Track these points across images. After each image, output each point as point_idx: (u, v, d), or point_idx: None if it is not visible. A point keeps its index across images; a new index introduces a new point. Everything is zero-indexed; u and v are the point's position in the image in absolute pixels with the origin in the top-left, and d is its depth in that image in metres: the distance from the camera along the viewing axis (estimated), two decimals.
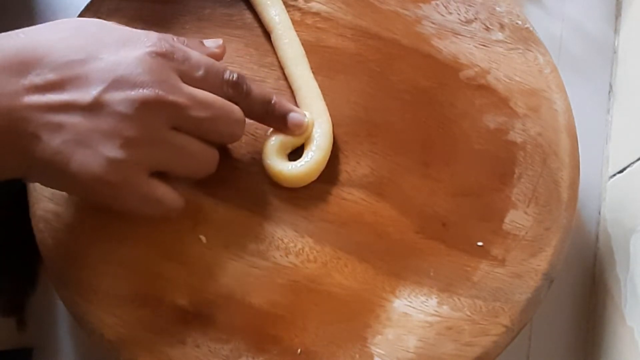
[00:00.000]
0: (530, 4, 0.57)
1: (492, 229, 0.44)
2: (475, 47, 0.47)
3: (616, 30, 0.57)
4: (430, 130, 0.46)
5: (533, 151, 0.45)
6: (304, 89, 0.45)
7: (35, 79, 0.36)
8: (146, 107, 0.37)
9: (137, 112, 0.37)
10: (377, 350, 0.41)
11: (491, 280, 0.43)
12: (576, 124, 0.46)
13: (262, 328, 0.42)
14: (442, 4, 0.48)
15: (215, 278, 0.42)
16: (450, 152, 0.45)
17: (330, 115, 0.45)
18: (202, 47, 0.42)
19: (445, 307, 0.42)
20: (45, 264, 0.43)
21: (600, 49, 0.57)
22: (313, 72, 0.46)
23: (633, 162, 0.49)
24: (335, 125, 0.45)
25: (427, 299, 0.42)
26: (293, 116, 0.43)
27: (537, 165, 0.45)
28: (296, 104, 0.45)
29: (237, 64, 0.47)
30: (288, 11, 0.47)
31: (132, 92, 0.36)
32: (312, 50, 0.47)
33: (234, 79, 0.41)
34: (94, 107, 0.36)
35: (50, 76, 0.36)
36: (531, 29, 0.48)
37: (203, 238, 0.43)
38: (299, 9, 0.48)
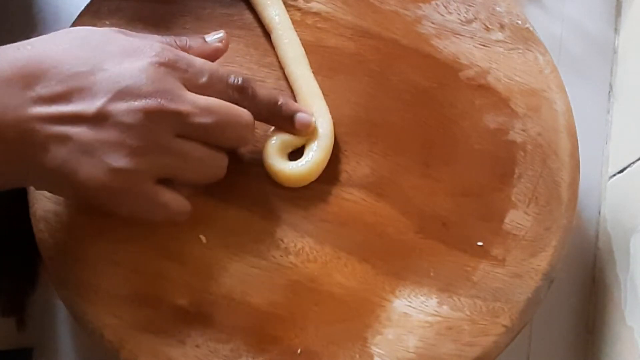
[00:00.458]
0: (530, 4, 0.57)
1: (492, 229, 0.44)
2: (475, 47, 0.47)
3: (616, 30, 0.57)
4: (430, 130, 0.46)
5: (533, 151, 0.45)
6: (305, 89, 0.45)
7: (41, 90, 0.37)
8: (149, 117, 0.37)
9: (141, 121, 0.37)
10: (377, 350, 0.41)
11: (491, 280, 0.43)
12: (576, 124, 0.46)
13: (262, 328, 0.42)
14: (442, 4, 0.48)
15: (215, 278, 0.42)
16: (450, 152, 0.45)
17: (330, 115, 0.45)
18: (204, 46, 0.43)
19: (445, 307, 0.42)
20: (45, 264, 0.43)
21: (600, 49, 0.57)
22: (313, 72, 0.46)
23: (633, 162, 0.49)
24: (335, 125, 0.45)
25: (427, 299, 0.42)
26: (300, 116, 0.43)
27: (537, 165, 0.45)
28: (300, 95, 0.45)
29: (237, 64, 0.47)
30: (288, 11, 0.47)
31: (136, 103, 0.37)
32: (312, 50, 0.47)
33: (239, 83, 0.41)
34: (99, 118, 0.37)
35: (56, 88, 0.37)
36: (531, 29, 0.48)
37: (203, 238, 0.43)
38: (299, 9, 0.48)
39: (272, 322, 0.42)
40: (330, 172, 0.44)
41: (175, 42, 0.42)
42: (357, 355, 0.41)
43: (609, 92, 0.56)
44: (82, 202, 0.43)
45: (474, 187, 0.45)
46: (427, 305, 0.42)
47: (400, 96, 0.46)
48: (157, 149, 0.38)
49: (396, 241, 0.43)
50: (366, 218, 0.44)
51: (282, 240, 0.43)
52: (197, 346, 0.41)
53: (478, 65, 0.47)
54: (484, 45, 0.47)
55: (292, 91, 0.46)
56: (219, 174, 0.42)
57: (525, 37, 0.48)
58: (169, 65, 0.39)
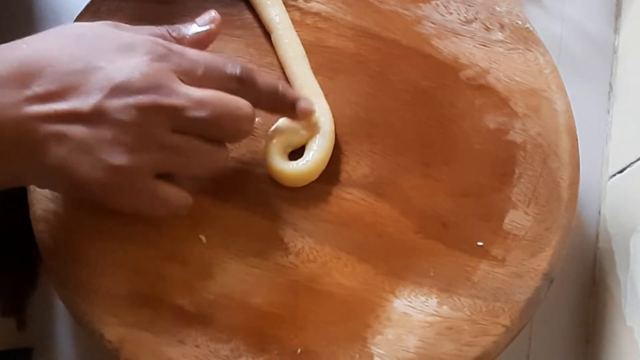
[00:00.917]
0: (530, 4, 0.57)
1: (492, 229, 0.44)
2: (475, 47, 0.47)
3: (616, 30, 0.57)
4: (430, 130, 0.46)
5: (533, 151, 0.45)
6: (305, 88, 0.45)
7: (37, 89, 0.37)
8: (144, 112, 0.37)
9: (136, 118, 0.37)
10: (377, 350, 0.41)
11: (491, 280, 0.43)
12: (576, 124, 0.46)
13: (262, 328, 0.42)
14: (442, 4, 0.48)
15: (215, 278, 0.42)
16: (450, 152, 0.45)
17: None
18: (197, 30, 0.42)
19: (445, 307, 0.42)
20: (45, 264, 0.43)
21: (600, 49, 0.57)
22: (313, 72, 0.46)
23: (633, 162, 0.49)
24: (335, 125, 0.45)
25: (427, 299, 0.42)
26: (301, 103, 0.43)
27: (537, 165, 0.45)
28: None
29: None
30: (288, 11, 0.47)
31: (130, 99, 0.37)
32: (312, 50, 0.47)
33: (237, 72, 0.40)
34: (94, 116, 0.37)
35: (52, 86, 0.37)
36: (531, 29, 0.48)
37: (203, 238, 0.43)
38: (299, 9, 0.48)
39: (272, 322, 0.42)
40: (330, 172, 0.44)
41: (169, 32, 0.41)
42: (357, 355, 0.41)
43: (609, 92, 0.56)
44: (82, 199, 0.43)
45: (474, 187, 0.45)
46: (427, 305, 0.42)
47: (400, 96, 0.46)
48: (154, 144, 0.38)
49: (396, 241, 0.43)
50: (366, 218, 0.44)
51: (282, 240, 0.43)
52: (197, 346, 0.41)
53: (478, 65, 0.47)
54: (484, 45, 0.47)
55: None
56: (218, 166, 0.42)
57: (525, 37, 0.48)
58: (163, 59, 0.38)
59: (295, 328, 0.42)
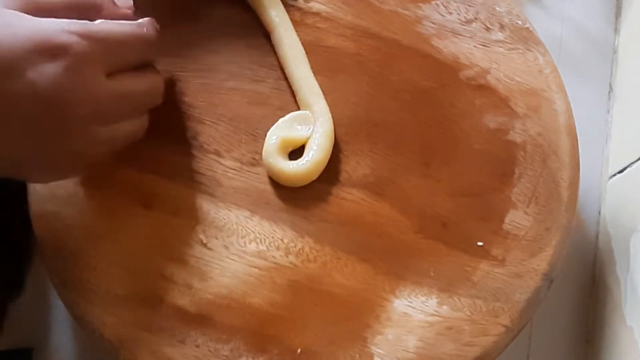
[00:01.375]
0: (530, 4, 0.57)
1: (492, 229, 0.44)
2: (475, 47, 0.47)
3: (616, 30, 0.57)
4: (430, 130, 0.46)
5: (533, 151, 0.45)
6: (305, 88, 0.45)
7: None
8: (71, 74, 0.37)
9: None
10: (377, 350, 0.41)
11: (491, 280, 0.43)
12: (576, 124, 0.46)
13: (262, 328, 0.42)
14: (442, 4, 0.48)
15: (215, 278, 0.42)
16: (450, 152, 0.45)
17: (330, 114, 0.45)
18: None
19: (445, 307, 0.42)
20: (45, 264, 0.43)
21: (600, 49, 0.57)
22: (313, 72, 0.46)
23: (633, 162, 0.49)
24: (335, 125, 0.45)
25: (427, 299, 0.42)
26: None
27: (537, 165, 0.45)
28: (297, 104, 0.45)
29: (237, 64, 0.47)
30: (288, 11, 0.47)
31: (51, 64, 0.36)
32: (312, 50, 0.47)
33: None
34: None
35: None
36: (531, 29, 0.48)
37: (203, 238, 0.43)
38: (299, 9, 0.48)
39: (272, 322, 0.42)
40: (330, 172, 0.44)
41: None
42: (357, 355, 0.41)
43: (609, 92, 0.56)
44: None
45: (474, 187, 0.45)
46: (427, 305, 0.42)
47: (400, 96, 0.46)
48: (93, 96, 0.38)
49: (396, 241, 0.43)
50: (366, 218, 0.44)
51: (282, 240, 0.43)
52: (197, 346, 0.41)
53: (478, 65, 0.47)
54: (484, 45, 0.47)
55: (292, 91, 0.46)
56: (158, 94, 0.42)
57: (525, 37, 0.48)
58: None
59: (295, 328, 0.42)
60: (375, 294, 0.42)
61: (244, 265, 0.43)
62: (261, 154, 0.44)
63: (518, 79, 0.47)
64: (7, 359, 0.48)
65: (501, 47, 0.47)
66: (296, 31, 0.47)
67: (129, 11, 0.43)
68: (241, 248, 0.43)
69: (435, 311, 0.42)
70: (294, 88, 0.46)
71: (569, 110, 0.46)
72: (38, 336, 0.49)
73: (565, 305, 0.51)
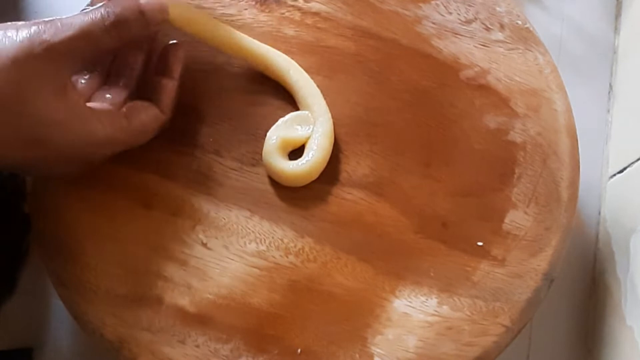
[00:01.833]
0: (530, 4, 0.57)
1: (492, 229, 0.44)
2: (475, 47, 0.47)
3: (616, 30, 0.57)
4: (430, 130, 0.46)
5: (533, 151, 0.45)
6: (305, 89, 0.45)
7: None
8: None
9: None
10: (377, 350, 0.41)
11: (491, 280, 0.43)
12: (576, 124, 0.46)
13: (262, 328, 0.42)
14: (442, 4, 0.48)
15: (215, 278, 0.42)
16: (450, 152, 0.45)
17: (330, 114, 0.45)
18: None
19: (445, 307, 0.42)
20: (45, 264, 0.43)
21: (600, 49, 0.57)
22: (313, 72, 0.46)
23: (633, 162, 0.49)
24: (335, 125, 0.45)
25: (427, 299, 0.42)
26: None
27: (537, 165, 0.45)
28: (296, 104, 0.45)
29: (237, 64, 0.47)
30: (288, 11, 0.47)
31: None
32: (312, 50, 0.47)
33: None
34: None
35: None
36: (531, 29, 0.48)
37: (203, 238, 0.43)
38: (299, 9, 0.48)
39: (272, 322, 0.42)
40: (330, 172, 0.44)
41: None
42: (357, 355, 0.41)
43: (609, 92, 0.56)
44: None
45: (474, 187, 0.45)
46: (427, 305, 0.42)
47: (400, 96, 0.46)
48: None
49: (396, 241, 0.43)
50: (366, 218, 0.44)
51: (282, 240, 0.43)
52: (197, 346, 0.41)
53: (478, 65, 0.47)
54: (484, 45, 0.47)
55: (291, 91, 0.46)
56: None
57: (525, 37, 0.48)
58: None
59: (295, 328, 0.42)
60: (375, 294, 0.42)
61: (243, 265, 0.43)
62: (261, 154, 0.44)
63: (518, 79, 0.47)
64: (7, 359, 0.48)
65: (501, 47, 0.47)
66: (296, 31, 0.47)
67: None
68: (241, 248, 0.43)
69: (435, 311, 0.42)
70: (293, 89, 0.46)
71: (569, 110, 0.46)
72: (38, 336, 0.49)
73: (565, 305, 0.51)
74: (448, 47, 0.47)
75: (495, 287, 0.42)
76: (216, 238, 0.43)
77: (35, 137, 0.37)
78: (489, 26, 0.48)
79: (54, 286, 0.43)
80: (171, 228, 0.43)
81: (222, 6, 0.48)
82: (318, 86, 0.45)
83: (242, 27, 0.47)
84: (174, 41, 0.44)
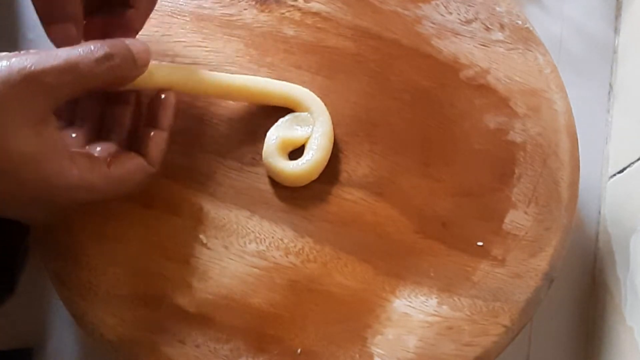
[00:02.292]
0: (530, 4, 0.57)
1: (492, 229, 0.44)
2: (475, 47, 0.47)
3: (616, 30, 0.57)
4: (430, 130, 0.46)
5: (533, 151, 0.45)
6: (300, 91, 0.45)
7: None
8: None
9: None
10: (377, 350, 0.41)
11: (491, 280, 0.43)
12: (576, 124, 0.46)
13: (262, 328, 0.42)
14: (442, 4, 0.48)
15: (215, 278, 0.42)
16: (450, 152, 0.45)
17: (330, 115, 0.45)
18: None
19: (445, 307, 0.42)
20: (45, 264, 0.43)
21: (600, 49, 0.57)
22: (313, 72, 0.46)
23: (633, 162, 0.49)
24: (335, 125, 0.45)
25: (427, 299, 0.42)
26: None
27: (537, 165, 0.45)
28: (296, 103, 0.45)
29: (237, 64, 0.47)
30: (288, 11, 0.47)
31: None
32: (312, 50, 0.47)
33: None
34: None
35: None
36: (531, 29, 0.48)
37: (203, 238, 0.43)
38: (299, 9, 0.48)
39: (272, 322, 0.42)
40: (330, 172, 0.44)
41: None
42: (357, 355, 0.41)
43: (609, 92, 0.56)
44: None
45: (474, 187, 0.45)
46: (427, 305, 0.42)
47: (400, 96, 0.46)
48: None
49: (396, 241, 0.43)
50: (366, 218, 0.44)
51: (282, 240, 0.43)
52: (197, 346, 0.41)
53: (478, 65, 0.47)
54: (484, 45, 0.47)
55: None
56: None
57: (525, 37, 0.48)
58: None
59: (295, 328, 0.42)
60: (375, 294, 0.42)
61: (243, 265, 0.43)
62: (261, 154, 0.44)
63: (518, 79, 0.47)
64: (6, 359, 0.48)
65: (501, 47, 0.47)
66: (296, 31, 0.47)
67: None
68: (241, 248, 0.43)
69: (435, 311, 0.42)
70: (293, 107, 0.45)
71: (569, 110, 0.46)
72: (38, 336, 0.49)
73: (565, 305, 0.51)
74: (448, 47, 0.47)
75: (495, 287, 0.42)
76: (216, 238, 0.43)
77: (2, 168, 0.35)
78: (489, 26, 0.48)
79: (54, 286, 0.43)
80: (171, 228, 0.43)
81: (222, 6, 0.48)
82: (318, 86, 0.45)
83: (242, 27, 0.47)
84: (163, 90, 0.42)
